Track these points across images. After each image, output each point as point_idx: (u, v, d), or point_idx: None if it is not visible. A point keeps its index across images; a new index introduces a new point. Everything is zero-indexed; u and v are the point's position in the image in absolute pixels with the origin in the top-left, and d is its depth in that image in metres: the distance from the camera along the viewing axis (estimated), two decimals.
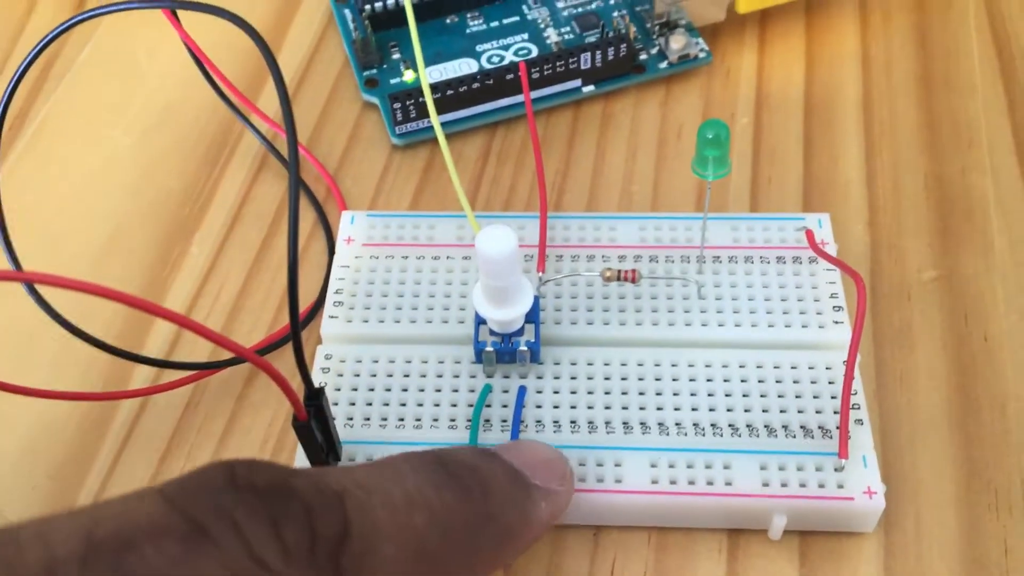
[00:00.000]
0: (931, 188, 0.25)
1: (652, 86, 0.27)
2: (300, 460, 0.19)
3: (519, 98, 0.26)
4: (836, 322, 0.21)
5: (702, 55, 0.27)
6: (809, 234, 0.22)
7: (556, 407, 0.20)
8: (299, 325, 0.16)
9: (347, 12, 0.28)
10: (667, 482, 0.19)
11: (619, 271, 0.21)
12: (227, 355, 0.22)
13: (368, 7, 0.28)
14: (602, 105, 0.27)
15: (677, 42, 0.27)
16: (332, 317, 0.21)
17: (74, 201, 0.25)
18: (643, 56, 0.27)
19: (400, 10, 0.28)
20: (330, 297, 0.21)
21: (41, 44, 0.19)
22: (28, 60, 0.18)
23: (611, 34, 0.27)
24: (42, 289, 0.20)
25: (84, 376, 0.22)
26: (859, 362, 0.20)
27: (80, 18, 0.18)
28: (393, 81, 0.27)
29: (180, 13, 0.22)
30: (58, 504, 0.20)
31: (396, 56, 0.27)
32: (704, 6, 0.27)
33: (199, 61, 0.24)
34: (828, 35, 0.28)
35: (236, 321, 0.23)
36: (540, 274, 0.21)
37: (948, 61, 0.27)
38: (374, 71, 0.27)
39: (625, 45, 0.26)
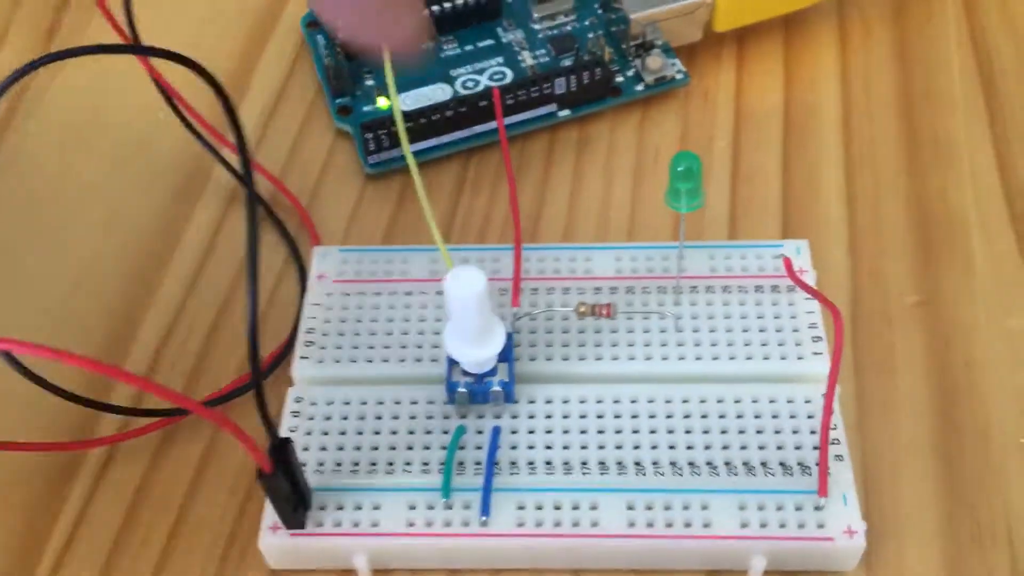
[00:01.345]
0: (912, 208, 0.24)
1: (628, 108, 0.27)
2: (269, 512, 0.19)
3: (494, 124, 0.25)
4: (815, 353, 0.20)
5: (679, 76, 0.27)
6: (787, 262, 0.21)
7: (531, 447, 0.19)
8: (260, 376, 0.16)
9: (320, 38, 0.28)
10: (644, 524, 0.18)
11: (593, 306, 0.20)
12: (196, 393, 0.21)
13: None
14: (578, 129, 0.26)
15: (654, 63, 0.26)
16: (303, 358, 0.21)
17: (43, 236, 0.25)
18: (619, 78, 0.27)
19: None
20: (301, 337, 0.21)
21: (8, 81, 0.18)
22: None
23: (586, 57, 0.27)
24: None
25: (52, 424, 0.21)
26: (839, 393, 0.20)
27: (44, 60, 0.18)
28: (366, 108, 0.26)
29: None
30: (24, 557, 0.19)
31: (370, 83, 0.27)
32: (681, 25, 0.27)
33: (168, 98, 0.24)
34: (806, 52, 0.28)
35: (209, 359, 0.22)
36: (515, 309, 0.21)
37: (928, 76, 0.27)
38: (347, 99, 0.27)
39: (601, 68, 0.26)
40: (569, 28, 0.28)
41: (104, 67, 0.25)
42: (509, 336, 0.20)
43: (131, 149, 0.27)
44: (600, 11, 0.28)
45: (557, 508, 0.18)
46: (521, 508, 0.19)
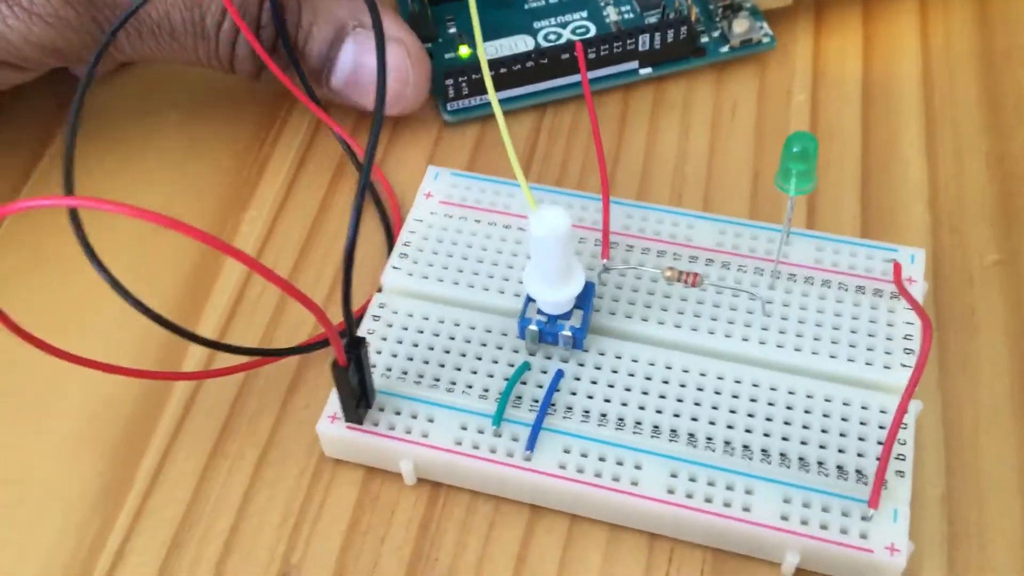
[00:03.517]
0: (993, 168, 0.24)
1: (705, 67, 0.26)
2: (333, 402, 0.19)
3: (572, 79, 0.25)
4: (904, 365, 0.19)
5: (765, 40, 0.26)
6: (897, 268, 0.20)
7: (589, 397, 0.19)
8: (351, 269, 0.17)
9: None
10: (683, 494, 0.18)
11: (681, 272, 0.20)
12: (278, 344, 0.22)
13: None
14: (655, 86, 0.26)
15: (740, 26, 0.26)
16: (395, 268, 0.21)
17: (123, 173, 0.25)
18: (704, 39, 0.26)
19: None
20: (398, 248, 0.22)
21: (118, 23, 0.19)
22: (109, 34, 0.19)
23: (672, 15, 0.26)
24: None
25: (141, 350, 0.22)
26: (918, 411, 0.19)
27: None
28: (448, 56, 0.26)
29: None
30: (116, 485, 0.20)
31: (452, 30, 0.27)
32: None
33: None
34: (885, 13, 0.27)
35: (286, 311, 0.23)
36: (604, 261, 0.21)
37: (1009, 34, 0.26)
38: (429, 45, 0.27)
39: (686, 28, 0.25)
40: None
41: None
42: (590, 285, 0.20)
43: (208, 91, 0.27)
44: None
45: (601, 459, 0.19)
46: (566, 452, 0.19)
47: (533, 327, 0.20)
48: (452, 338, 0.20)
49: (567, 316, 0.20)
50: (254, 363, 0.21)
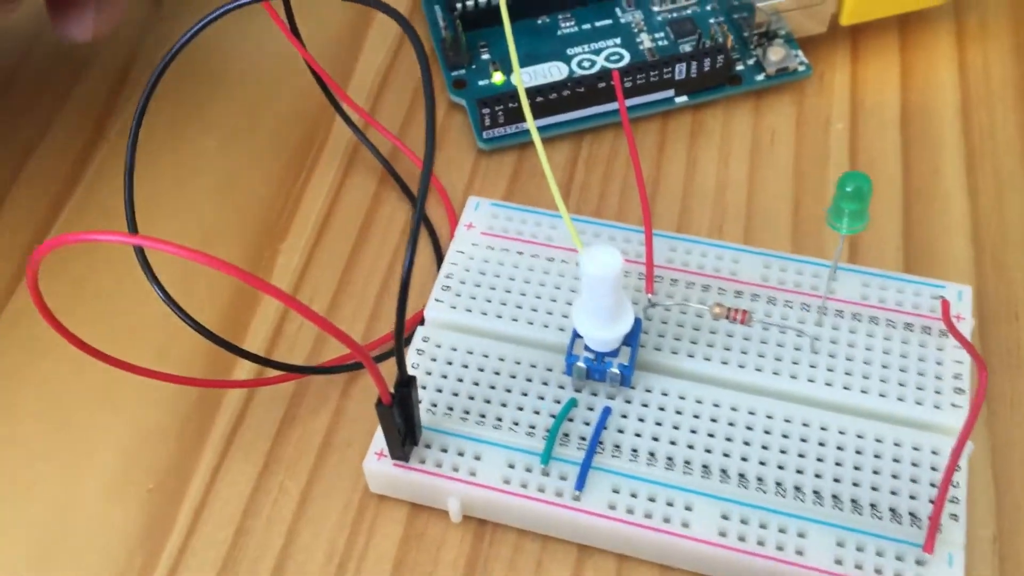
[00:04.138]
0: None
1: (743, 95, 0.26)
2: (379, 438, 0.19)
3: (608, 107, 0.25)
4: (954, 405, 0.19)
5: (801, 68, 0.26)
6: (945, 305, 0.20)
7: (638, 435, 0.19)
8: (405, 304, 0.16)
9: (436, 8, 0.28)
10: (736, 537, 0.18)
11: (729, 309, 0.20)
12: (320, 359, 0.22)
13: (459, 5, 0.27)
14: (691, 114, 0.26)
15: (776, 54, 0.26)
16: (438, 301, 0.21)
17: (162, 202, 0.25)
18: (739, 67, 0.26)
19: (491, 9, 0.27)
20: (440, 280, 0.22)
21: (178, 46, 0.19)
22: (163, 64, 0.19)
23: (708, 43, 0.26)
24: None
25: (188, 362, 0.22)
26: (970, 451, 0.19)
27: (212, 17, 0.18)
28: (481, 83, 0.26)
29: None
30: (158, 524, 0.20)
31: (485, 56, 0.27)
32: (804, 17, 0.26)
33: (296, 43, 0.23)
34: (923, 45, 0.27)
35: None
36: (649, 296, 0.21)
37: None
38: (462, 71, 0.27)
39: (723, 56, 0.25)
40: (689, 12, 0.27)
41: (213, 34, 0.25)
42: (637, 321, 0.20)
43: (247, 117, 0.27)
44: None
45: (651, 500, 0.18)
46: (616, 492, 0.19)
47: (581, 364, 0.19)
48: (497, 373, 0.20)
49: (615, 353, 0.20)
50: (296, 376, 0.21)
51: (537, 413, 0.20)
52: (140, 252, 0.19)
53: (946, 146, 0.25)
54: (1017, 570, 0.19)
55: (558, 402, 0.20)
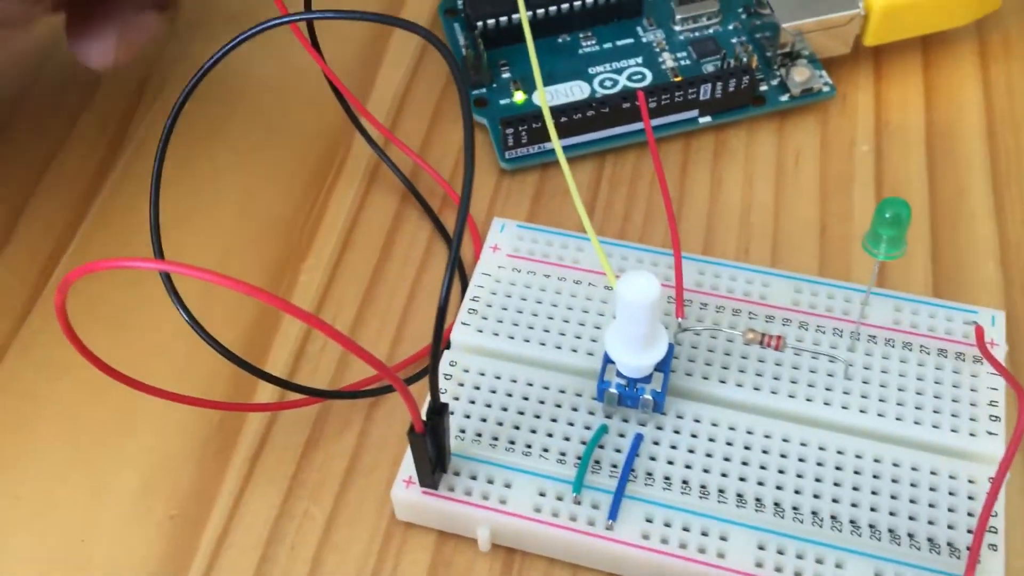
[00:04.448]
0: None
1: (766, 115, 0.26)
2: (407, 465, 0.19)
3: (632, 127, 0.25)
4: (990, 433, 0.19)
5: (826, 88, 0.26)
6: (979, 331, 0.20)
7: (670, 463, 0.19)
8: (442, 331, 0.16)
9: (457, 26, 0.28)
10: (772, 568, 0.18)
11: (763, 334, 0.20)
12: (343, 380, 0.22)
13: (480, 24, 0.27)
14: (714, 134, 0.26)
15: (800, 74, 0.26)
16: (464, 324, 0.21)
17: (182, 224, 0.25)
18: (763, 87, 0.26)
19: (512, 27, 0.27)
20: (466, 303, 0.21)
21: (207, 65, 0.19)
22: (193, 82, 0.18)
23: (732, 63, 0.26)
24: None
25: (208, 385, 0.22)
26: (1007, 480, 0.19)
27: (246, 36, 0.18)
28: (503, 102, 0.26)
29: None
30: (180, 552, 0.19)
31: (506, 75, 0.27)
32: (828, 38, 0.26)
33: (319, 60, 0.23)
34: (946, 67, 0.27)
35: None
36: (680, 320, 0.21)
37: None
38: (483, 90, 0.26)
39: (748, 77, 0.25)
40: (711, 31, 0.27)
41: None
42: (670, 347, 0.20)
43: (266, 132, 0.26)
44: (744, 16, 0.27)
45: (685, 529, 0.18)
46: (649, 521, 0.18)
47: (613, 390, 0.19)
48: (526, 398, 0.20)
49: (647, 380, 0.19)
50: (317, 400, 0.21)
51: (567, 440, 0.19)
52: (167, 277, 0.19)
53: (972, 167, 0.25)
54: None
55: (588, 428, 0.19)
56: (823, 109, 0.26)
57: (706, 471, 0.19)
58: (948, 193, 0.24)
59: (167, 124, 0.19)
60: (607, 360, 0.19)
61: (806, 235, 0.24)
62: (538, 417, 0.20)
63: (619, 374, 0.19)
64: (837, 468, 0.19)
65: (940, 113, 0.26)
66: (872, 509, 0.18)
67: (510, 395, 0.20)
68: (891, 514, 0.18)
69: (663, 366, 0.19)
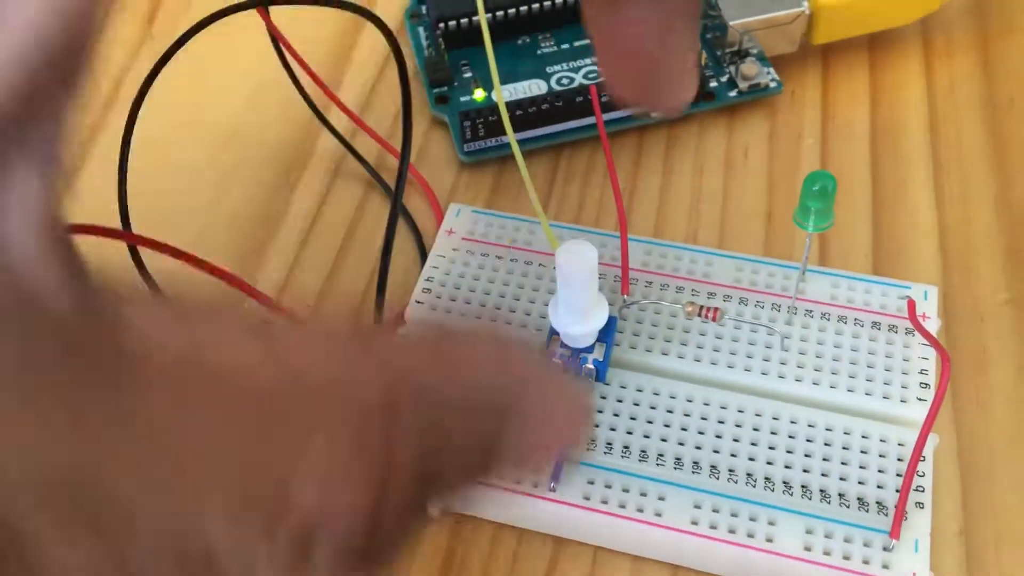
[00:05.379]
0: (1000, 212, 0.25)
1: (716, 111, 0.27)
2: None
3: (587, 120, 0.26)
4: (919, 399, 0.20)
5: (773, 84, 0.27)
6: (911, 304, 0.21)
7: (612, 429, 0.20)
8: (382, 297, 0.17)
9: (421, 30, 0.29)
10: (707, 525, 0.18)
11: (701, 307, 0.20)
12: None
13: (443, 25, 0.28)
14: (666, 129, 0.27)
15: (749, 70, 0.27)
16: (419, 302, 0.22)
17: (153, 217, 0.24)
18: (713, 84, 0.27)
19: (473, 29, 0.28)
20: (420, 283, 0.22)
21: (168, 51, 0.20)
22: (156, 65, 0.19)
23: None
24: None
25: None
26: (937, 445, 0.19)
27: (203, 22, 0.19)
28: (463, 99, 0.27)
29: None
30: None
31: (467, 75, 0.28)
32: (775, 36, 0.27)
33: (280, 53, 0.24)
34: (891, 64, 0.28)
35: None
36: (625, 296, 0.21)
37: (1012, 83, 0.27)
38: (445, 88, 0.27)
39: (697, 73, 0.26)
40: None
41: (200, 48, 0.23)
42: (612, 319, 0.20)
43: (233, 128, 0.27)
44: None
45: (625, 491, 0.19)
46: (591, 483, 0.19)
47: (557, 360, 0.20)
48: None
49: (590, 350, 0.20)
50: None
51: None
52: (134, 251, 0.19)
53: (914, 160, 0.26)
54: (982, 562, 0.19)
55: None
56: (771, 105, 0.27)
57: (646, 436, 0.20)
58: (891, 183, 0.25)
59: (131, 109, 0.20)
60: (552, 332, 0.20)
61: (752, 221, 0.25)
62: None
63: (563, 345, 0.20)
64: (772, 433, 0.20)
65: (885, 108, 0.27)
66: (805, 471, 0.19)
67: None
68: (823, 475, 0.19)
69: (606, 336, 0.20)
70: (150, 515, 0.10)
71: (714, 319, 0.20)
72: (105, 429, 0.10)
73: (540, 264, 0.22)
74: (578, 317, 0.19)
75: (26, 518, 0.09)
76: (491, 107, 0.26)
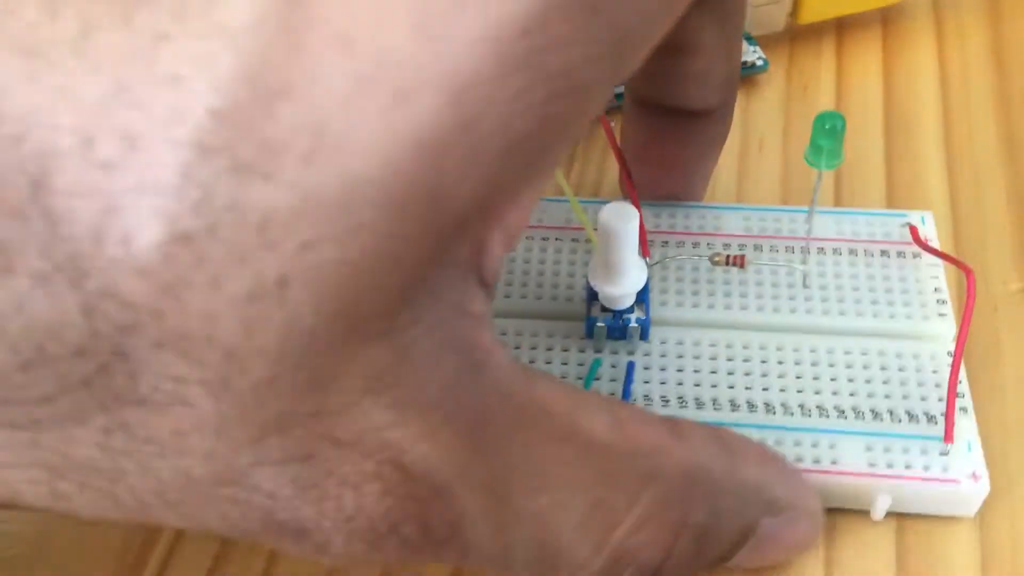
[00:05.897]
0: (1012, 203, 0.25)
1: None
2: None
3: None
4: (940, 315, 0.21)
5: (759, 63, 0.28)
6: (913, 230, 0.22)
7: (663, 383, 0.20)
8: None
9: None
10: None
11: (727, 255, 0.21)
12: None
13: None
14: None
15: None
16: None
17: None
18: None
19: None
20: None
21: None
22: None
23: None
24: None
25: None
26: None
27: None
28: None
29: None
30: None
31: None
32: (763, 14, 0.28)
33: None
34: (903, 48, 0.29)
35: None
36: (647, 258, 0.22)
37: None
38: None
39: None
40: None
41: None
42: (647, 278, 0.21)
43: None
44: None
45: None
46: None
47: (601, 324, 0.20)
48: (517, 348, 0.21)
49: (630, 310, 0.21)
50: None
51: (564, 378, 0.20)
52: None
53: (927, 149, 0.27)
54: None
55: (581, 365, 0.21)
56: (782, 89, 0.28)
57: (697, 385, 0.20)
58: (902, 171, 0.26)
59: None
60: (591, 296, 0.21)
61: (768, 193, 0.26)
62: (533, 362, 0.21)
63: (603, 308, 0.21)
64: (813, 365, 0.20)
65: (896, 90, 0.28)
66: (851, 395, 0.20)
67: (513, 347, 0.21)
68: (868, 396, 0.20)
69: (643, 297, 0.21)
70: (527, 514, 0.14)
71: (741, 265, 0.21)
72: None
73: (556, 238, 0.23)
74: (620, 278, 0.20)
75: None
76: None
